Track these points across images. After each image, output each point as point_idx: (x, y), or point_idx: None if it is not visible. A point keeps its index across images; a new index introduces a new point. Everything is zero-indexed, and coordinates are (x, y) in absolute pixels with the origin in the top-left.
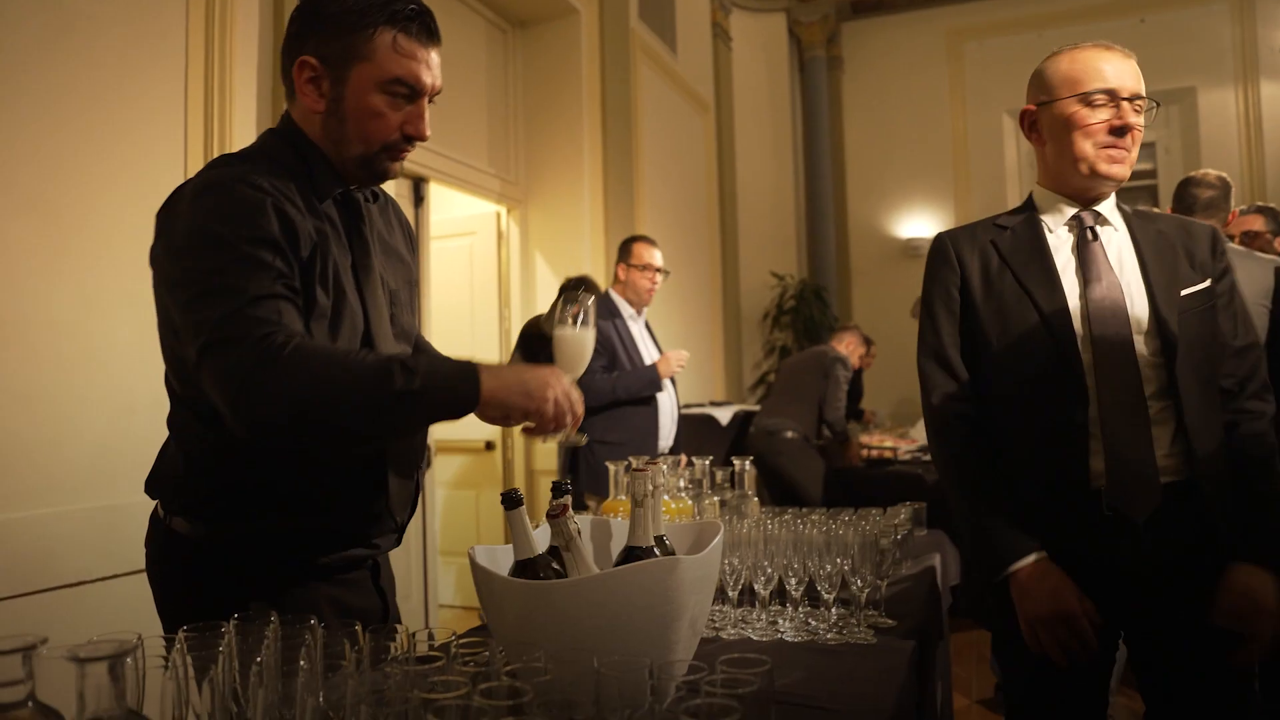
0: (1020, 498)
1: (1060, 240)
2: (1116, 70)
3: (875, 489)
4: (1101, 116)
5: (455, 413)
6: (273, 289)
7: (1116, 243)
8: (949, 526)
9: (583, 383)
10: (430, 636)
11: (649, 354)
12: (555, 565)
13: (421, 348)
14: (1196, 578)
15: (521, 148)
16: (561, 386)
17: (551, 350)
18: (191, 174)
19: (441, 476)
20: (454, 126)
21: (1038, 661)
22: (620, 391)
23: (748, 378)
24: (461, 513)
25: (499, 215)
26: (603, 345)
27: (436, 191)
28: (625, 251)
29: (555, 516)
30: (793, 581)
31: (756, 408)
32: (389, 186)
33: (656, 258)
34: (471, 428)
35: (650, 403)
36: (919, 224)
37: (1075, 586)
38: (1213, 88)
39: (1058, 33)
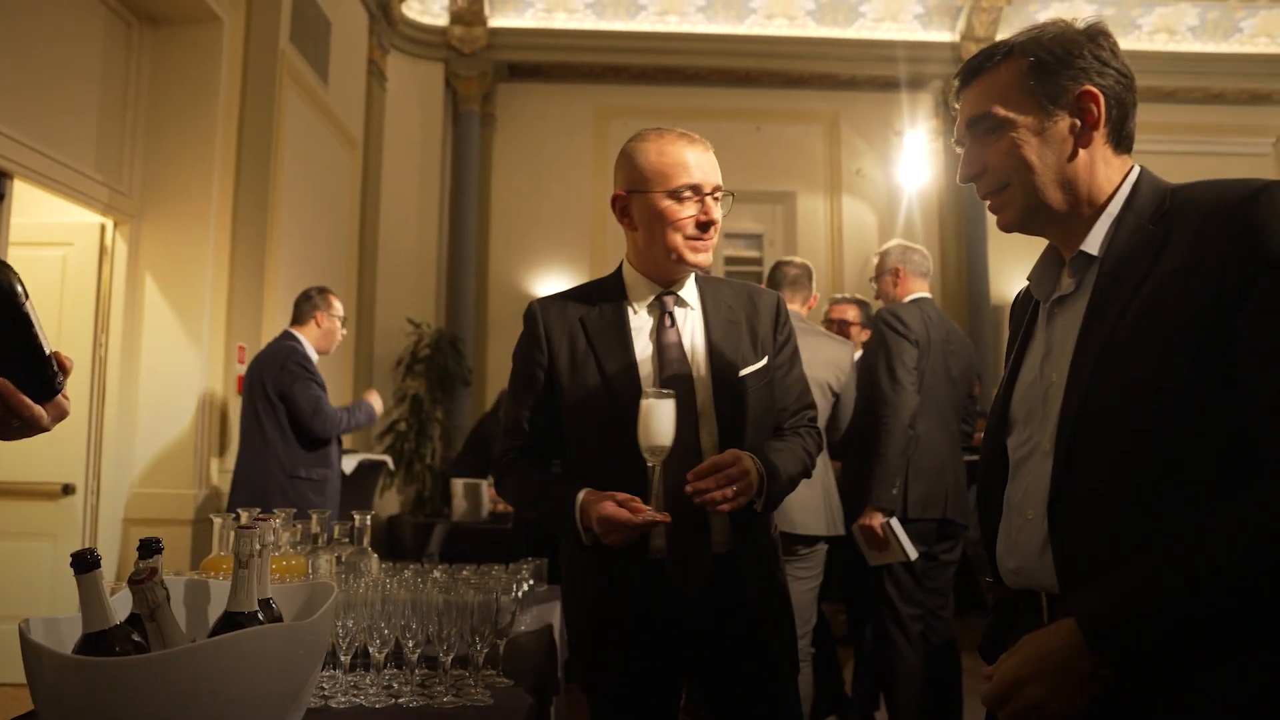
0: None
1: (642, 322)
2: (700, 164)
3: (493, 544)
4: (689, 211)
5: None
6: None
7: (691, 324)
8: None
9: (323, 411)
10: None
11: None
12: (136, 637)
13: None
14: (739, 631)
15: (139, 158)
16: None
17: None
18: None
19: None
20: (52, 120)
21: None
22: (353, 423)
23: (376, 425)
24: (26, 569)
25: (104, 227)
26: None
27: (24, 191)
28: (324, 301)
29: (139, 582)
30: (410, 644)
31: (384, 458)
32: None
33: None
34: (43, 464)
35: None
36: (557, 284)
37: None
38: (809, 194)
39: (689, 125)
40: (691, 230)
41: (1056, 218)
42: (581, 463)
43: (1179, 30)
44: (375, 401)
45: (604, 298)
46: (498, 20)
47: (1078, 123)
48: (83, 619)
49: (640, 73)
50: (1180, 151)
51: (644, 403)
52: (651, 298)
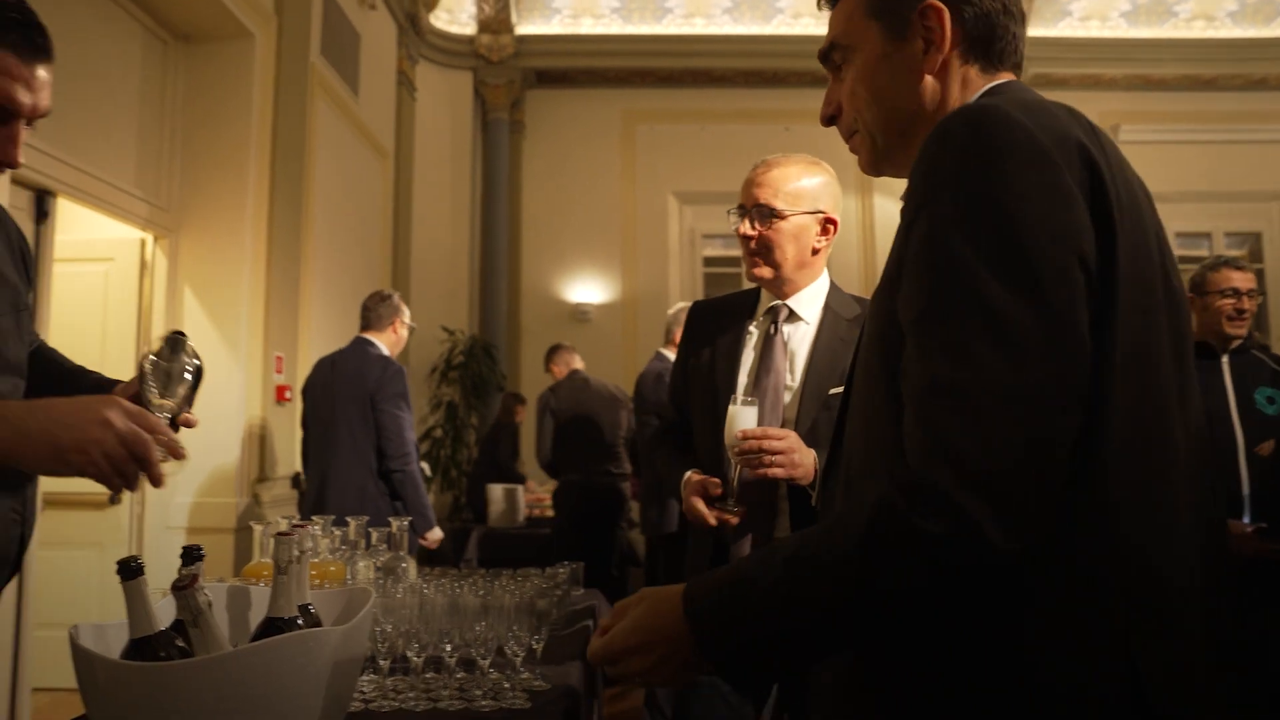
0: None
1: (757, 331)
2: (745, 184)
3: (529, 549)
4: (744, 231)
5: None
6: None
7: (799, 337)
8: (605, 586)
9: (409, 457)
10: None
11: None
12: (180, 643)
13: (49, 360)
14: None
15: (177, 172)
16: (113, 429)
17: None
18: None
19: (46, 536)
20: (94, 138)
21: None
22: (417, 499)
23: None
24: (74, 577)
25: (144, 242)
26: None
27: (67, 209)
28: (400, 307)
29: (182, 588)
30: (448, 648)
31: (421, 465)
32: (3, 194)
33: None
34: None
35: None
36: (588, 290)
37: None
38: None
39: (717, 127)
40: (742, 249)
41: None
42: (698, 446)
43: (1218, 16)
44: (436, 532)
45: (742, 304)
46: (525, 28)
47: (925, 45)
48: (129, 624)
49: (667, 76)
50: (1221, 140)
51: (731, 408)
52: (765, 309)
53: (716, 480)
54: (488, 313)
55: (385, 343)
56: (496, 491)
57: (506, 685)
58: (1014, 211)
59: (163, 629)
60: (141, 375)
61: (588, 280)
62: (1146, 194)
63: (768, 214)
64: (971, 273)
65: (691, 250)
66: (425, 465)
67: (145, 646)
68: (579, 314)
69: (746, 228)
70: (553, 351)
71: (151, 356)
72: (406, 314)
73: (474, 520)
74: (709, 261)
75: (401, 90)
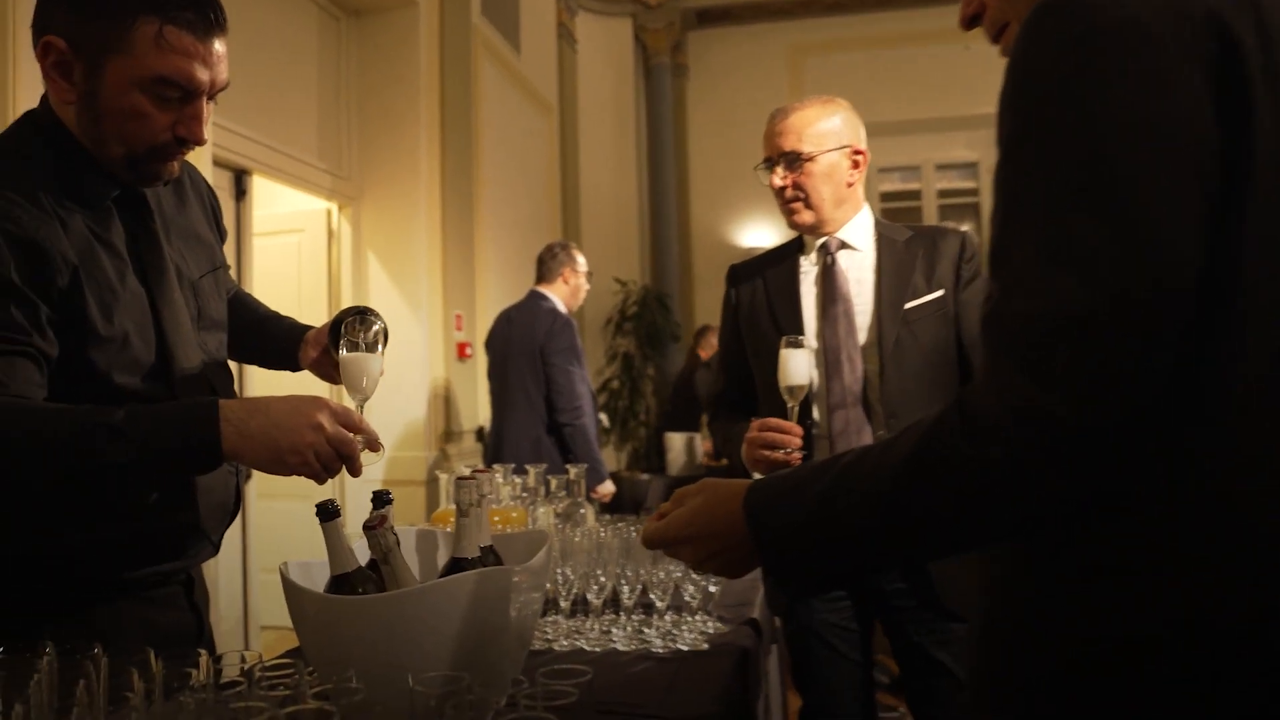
0: None
1: (810, 267)
2: (768, 133)
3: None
4: (775, 183)
5: (188, 475)
6: None
7: (858, 264)
8: None
9: (582, 411)
10: (242, 660)
11: None
12: (375, 579)
13: (244, 307)
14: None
15: (355, 143)
16: (324, 432)
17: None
18: None
19: (263, 487)
20: (281, 118)
21: (817, 631)
22: (589, 448)
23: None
24: (288, 526)
25: (329, 212)
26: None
27: (261, 185)
28: (569, 256)
29: (372, 528)
30: (625, 590)
31: (602, 416)
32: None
33: None
34: None
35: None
36: (760, 233)
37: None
38: None
39: (891, 53)
40: (780, 199)
41: None
42: (764, 403)
43: None
44: (608, 485)
45: (786, 254)
46: None
47: None
48: (330, 562)
49: (833, 3)
50: None
51: (782, 351)
52: (817, 245)
53: (776, 421)
54: (659, 262)
55: (558, 294)
56: (676, 440)
57: (684, 627)
58: (1090, 108)
59: (359, 566)
60: (340, 364)
61: (760, 223)
62: None
63: (795, 159)
64: (1039, 185)
65: (868, 187)
66: (604, 416)
67: (344, 582)
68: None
69: (778, 178)
70: (701, 335)
71: (344, 341)
72: (580, 262)
73: (655, 470)
74: (885, 197)
75: (562, 43)
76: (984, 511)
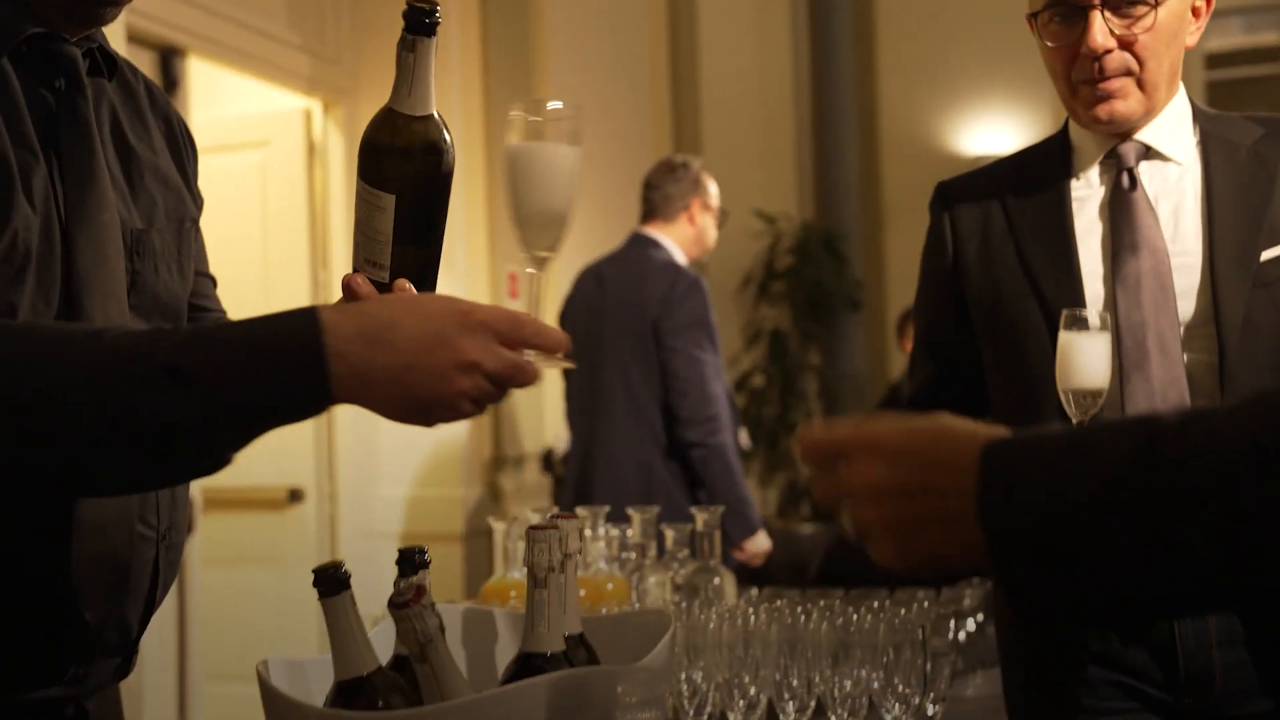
0: None
1: (1089, 191)
2: None
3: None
4: (1095, 44)
5: (281, 421)
6: None
7: (1178, 189)
8: None
9: (720, 422)
10: None
11: None
12: (403, 685)
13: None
14: None
15: (345, 10)
16: (481, 371)
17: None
18: None
19: (213, 550)
20: None
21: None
22: (736, 489)
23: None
24: (248, 608)
25: (308, 114)
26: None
27: (201, 72)
28: (696, 183)
29: (402, 605)
30: (790, 706)
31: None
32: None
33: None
34: (266, 468)
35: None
36: (995, 134)
37: None
38: None
39: None
40: (1075, 75)
41: None
42: (1002, 408)
43: None
44: (761, 540)
45: (1040, 166)
46: None
47: None
48: (334, 660)
49: None
50: None
51: (1063, 336)
52: (1102, 154)
53: None
54: (828, 188)
55: (678, 240)
56: None
57: None
58: None
59: (379, 665)
60: None
61: (994, 118)
62: None
63: (1132, 1)
64: None
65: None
66: (745, 434)
67: (356, 690)
68: None
69: (1098, 33)
70: (905, 322)
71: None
72: (712, 193)
73: (823, 517)
74: (1212, 61)
75: None
76: None
